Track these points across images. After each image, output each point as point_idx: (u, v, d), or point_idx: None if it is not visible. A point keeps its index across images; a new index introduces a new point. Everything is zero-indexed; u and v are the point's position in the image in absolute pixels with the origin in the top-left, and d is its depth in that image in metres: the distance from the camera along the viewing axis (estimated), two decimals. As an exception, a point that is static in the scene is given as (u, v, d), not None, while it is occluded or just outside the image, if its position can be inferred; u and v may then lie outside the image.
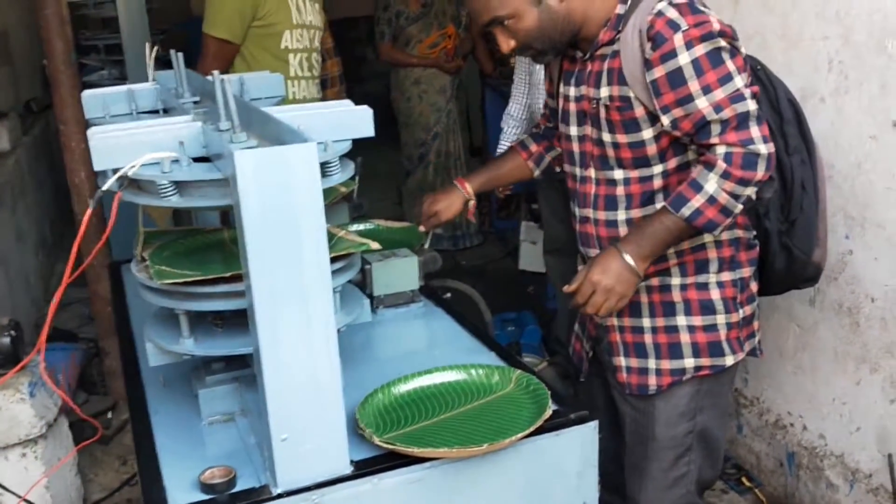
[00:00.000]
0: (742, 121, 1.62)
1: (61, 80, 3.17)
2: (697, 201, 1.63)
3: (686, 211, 1.64)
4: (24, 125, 4.95)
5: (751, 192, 1.64)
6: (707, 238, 1.79)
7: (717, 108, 1.61)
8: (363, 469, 1.43)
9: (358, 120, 1.58)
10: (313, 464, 1.39)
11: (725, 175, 1.61)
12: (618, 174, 1.79)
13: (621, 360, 1.88)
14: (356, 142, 1.60)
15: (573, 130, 1.85)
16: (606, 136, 1.76)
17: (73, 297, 4.76)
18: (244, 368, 1.65)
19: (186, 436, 1.59)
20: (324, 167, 1.50)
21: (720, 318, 1.81)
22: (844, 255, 2.34)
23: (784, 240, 1.89)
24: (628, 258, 1.69)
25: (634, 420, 1.89)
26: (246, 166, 1.24)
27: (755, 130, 1.62)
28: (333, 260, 1.57)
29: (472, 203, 2.13)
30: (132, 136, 1.47)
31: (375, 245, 1.61)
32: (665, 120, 1.66)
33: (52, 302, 1.54)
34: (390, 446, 1.44)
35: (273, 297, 1.29)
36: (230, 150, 1.26)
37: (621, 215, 1.80)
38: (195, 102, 1.98)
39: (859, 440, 2.41)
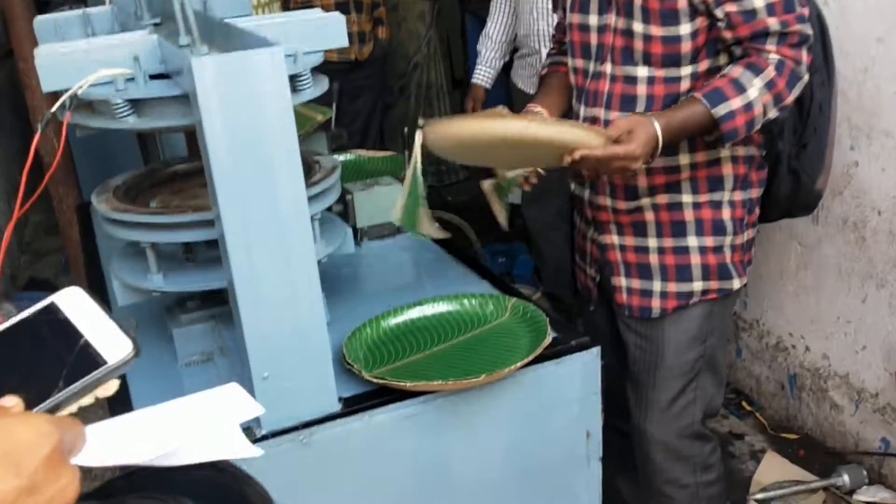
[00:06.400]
0: (801, 42, 1.53)
1: (16, 14, 2.98)
2: (735, 103, 1.49)
3: (721, 109, 1.50)
4: (-14, 69, 4.74)
5: (774, 114, 1.54)
6: (724, 153, 1.67)
7: (784, 23, 1.51)
8: (353, 406, 1.33)
9: (330, 29, 1.45)
10: (299, 402, 1.29)
11: (770, 84, 1.50)
12: (641, 71, 1.62)
13: (621, 281, 1.77)
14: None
15: (592, 19, 1.67)
16: (638, 27, 1.59)
17: (50, 247, 4.63)
18: (221, 305, 1.54)
19: (162, 379, 1.48)
20: (294, 81, 1.38)
21: (727, 240, 1.71)
22: (850, 167, 2.23)
23: (793, 163, 1.79)
24: (657, 127, 1.50)
25: (640, 347, 1.79)
26: (206, 76, 1.10)
27: (805, 55, 1.54)
28: (312, 185, 1.46)
29: None
30: (83, 53, 1.33)
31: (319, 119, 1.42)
32: (718, 13, 1.53)
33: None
34: (380, 381, 1.34)
35: (245, 225, 1.18)
36: (188, 59, 1.12)
37: None
38: (156, 25, 1.83)
39: (865, 359, 2.34)
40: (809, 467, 2.44)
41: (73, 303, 0.80)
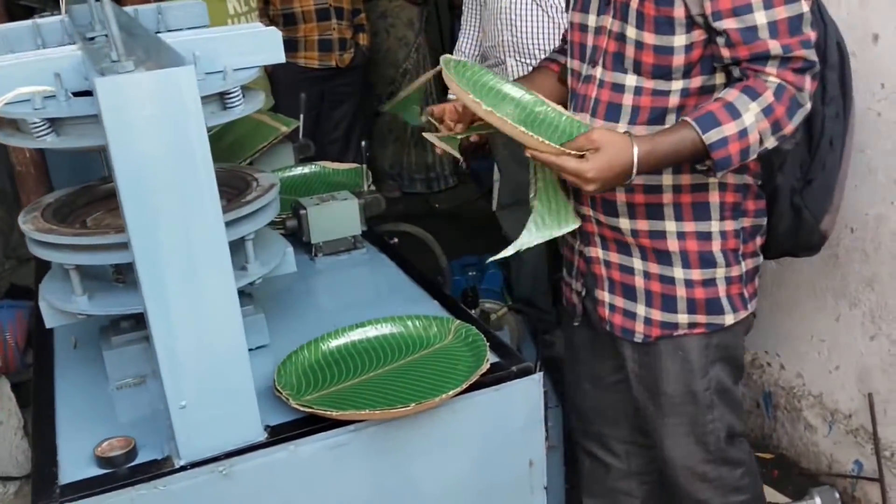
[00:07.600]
0: (804, 68, 1.42)
1: (-13, 20, 2.95)
2: (729, 129, 1.38)
3: (714, 135, 1.38)
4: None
5: (771, 144, 1.43)
6: (712, 178, 1.55)
7: (787, 48, 1.40)
8: (278, 435, 1.29)
9: (265, 44, 1.40)
10: (220, 431, 1.24)
11: (768, 110, 1.39)
12: (630, 79, 1.53)
13: (605, 296, 1.69)
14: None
15: (591, 20, 1.59)
16: (631, 31, 1.50)
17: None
18: (155, 327, 1.49)
19: (92, 403, 1.44)
20: (224, 98, 1.34)
21: (720, 272, 1.61)
22: (822, 183, 2.17)
23: (796, 199, 1.69)
24: (635, 154, 1.38)
25: (635, 373, 1.72)
26: (110, 97, 1.06)
27: (808, 83, 1.43)
28: (245, 204, 1.42)
29: None
30: (2, 69, 1.29)
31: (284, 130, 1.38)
32: (717, 27, 1.43)
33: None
34: (307, 409, 1.29)
35: (156, 250, 1.13)
36: (93, 78, 1.08)
37: (621, 129, 1.52)
38: (106, 36, 1.79)
39: (839, 379, 2.28)
40: (783, 488, 2.38)
41: None
